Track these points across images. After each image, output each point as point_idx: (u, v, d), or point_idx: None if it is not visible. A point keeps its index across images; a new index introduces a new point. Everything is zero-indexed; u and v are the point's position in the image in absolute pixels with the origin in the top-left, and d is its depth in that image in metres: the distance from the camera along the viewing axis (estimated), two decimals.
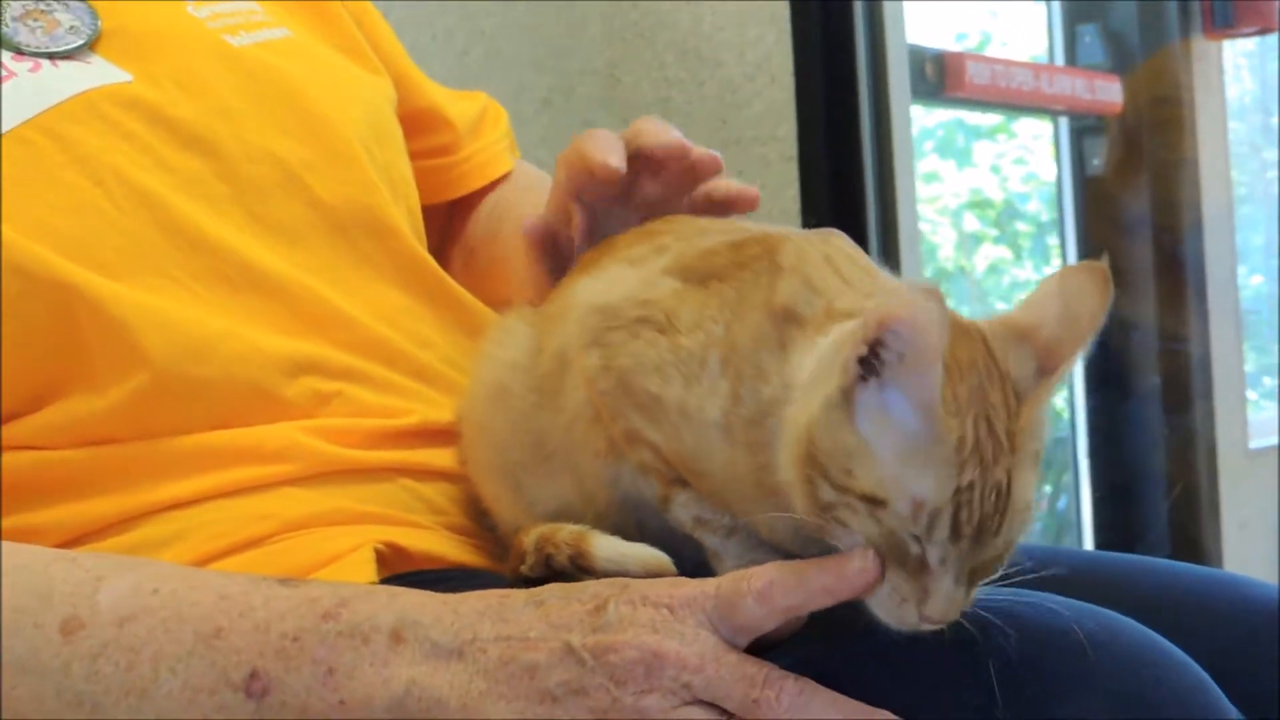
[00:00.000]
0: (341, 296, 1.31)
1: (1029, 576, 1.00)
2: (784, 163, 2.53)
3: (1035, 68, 3.49)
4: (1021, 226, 4.67)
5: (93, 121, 1.25)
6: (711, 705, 0.96)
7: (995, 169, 4.77)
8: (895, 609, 0.94)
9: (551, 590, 1.02)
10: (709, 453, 1.06)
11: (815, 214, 2.48)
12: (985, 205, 4.88)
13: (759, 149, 2.54)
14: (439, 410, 1.30)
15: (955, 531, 0.92)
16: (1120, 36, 3.67)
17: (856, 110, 2.47)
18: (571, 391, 1.14)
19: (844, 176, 2.49)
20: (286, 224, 1.31)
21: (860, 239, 2.46)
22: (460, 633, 0.99)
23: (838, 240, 1.11)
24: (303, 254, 1.31)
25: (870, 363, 0.93)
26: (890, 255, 2.50)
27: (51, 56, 1.28)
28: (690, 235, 1.17)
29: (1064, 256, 3.69)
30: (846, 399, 0.94)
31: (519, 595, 1.02)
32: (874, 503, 0.93)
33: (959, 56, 3.20)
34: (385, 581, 1.14)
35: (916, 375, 0.92)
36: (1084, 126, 3.64)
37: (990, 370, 0.95)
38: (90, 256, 1.20)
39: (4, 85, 1.24)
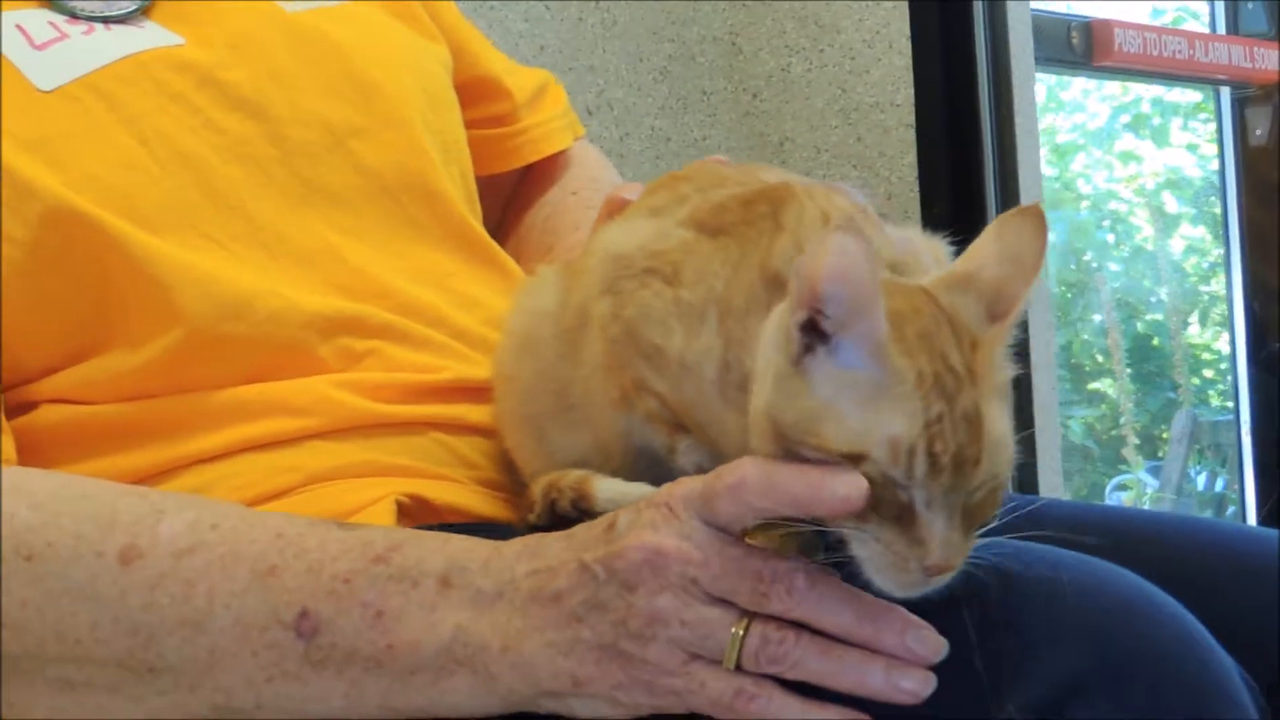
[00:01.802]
0: (386, 259, 1.33)
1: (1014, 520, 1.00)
2: (902, 129, 2.51)
3: (1190, 35, 3.40)
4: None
5: (142, 82, 1.28)
6: (724, 602, 0.96)
7: (1192, 148, 4.69)
8: (897, 573, 0.93)
9: (582, 524, 1.03)
10: (705, 406, 1.07)
11: (933, 181, 2.46)
12: (1183, 185, 4.80)
13: (877, 116, 2.53)
14: (476, 368, 1.31)
15: (933, 464, 0.91)
16: None
17: (974, 77, 2.44)
18: (591, 342, 1.15)
19: (962, 144, 2.46)
20: (334, 187, 1.34)
21: (978, 208, 2.45)
22: (501, 574, 1.01)
23: (840, 199, 1.11)
24: (349, 217, 1.34)
25: (814, 328, 0.93)
26: None
27: (105, 20, 1.31)
28: (709, 186, 1.16)
29: (1226, 228, 3.60)
30: (798, 368, 0.94)
31: (555, 533, 1.03)
32: (854, 459, 0.92)
33: (1107, 24, 3.12)
34: None
35: (861, 321, 0.91)
36: (1245, 96, 3.54)
37: (936, 316, 0.95)
38: (132, 211, 1.23)
39: (56, 45, 1.27)
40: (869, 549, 0.93)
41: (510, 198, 1.67)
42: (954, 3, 2.46)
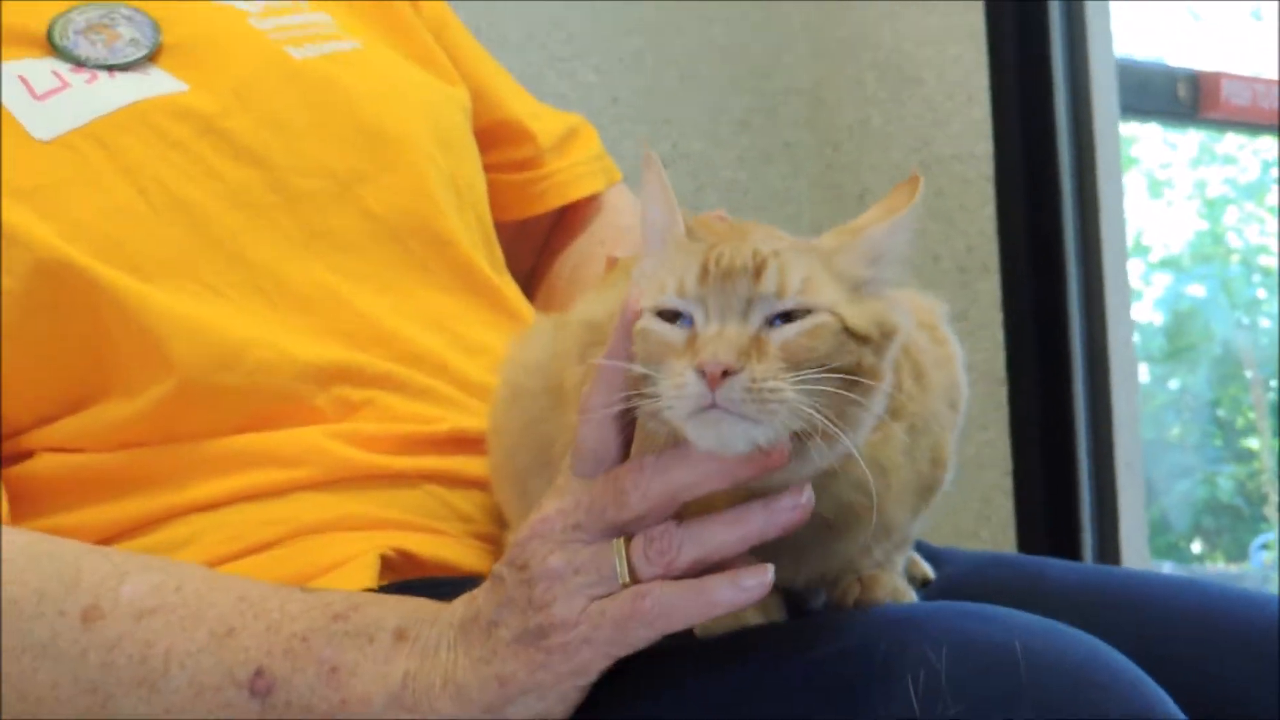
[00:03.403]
0: (391, 303, 1.33)
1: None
2: (982, 182, 2.49)
3: None
4: None
5: (142, 130, 1.29)
6: (607, 533, 0.97)
7: None
8: (682, 396, 0.91)
9: None
10: None
11: (1012, 234, 2.44)
12: None
13: (958, 167, 2.50)
14: (476, 418, 1.30)
15: (703, 274, 0.94)
16: None
17: (1053, 128, 2.41)
18: (569, 408, 1.14)
19: (1041, 195, 2.43)
20: (338, 232, 1.33)
21: (1056, 258, 2.42)
22: (447, 621, 1.02)
23: None
24: (354, 262, 1.33)
25: None
26: (1092, 278, 2.44)
27: (110, 69, 1.32)
28: None
29: None
30: None
31: None
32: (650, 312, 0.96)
33: (1214, 77, 3.08)
34: (392, 587, 1.16)
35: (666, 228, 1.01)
36: None
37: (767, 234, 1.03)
38: (126, 260, 1.23)
39: (57, 95, 1.28)
40: (660, 389, 0.93)
41: (543, 243, 1.66)
42: (1033, 53, 2.44)
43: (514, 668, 0.98)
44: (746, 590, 0.95)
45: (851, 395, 0.94)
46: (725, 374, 0.90)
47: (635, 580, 0.96)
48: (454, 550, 1.26)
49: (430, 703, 1.00)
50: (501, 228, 1.54)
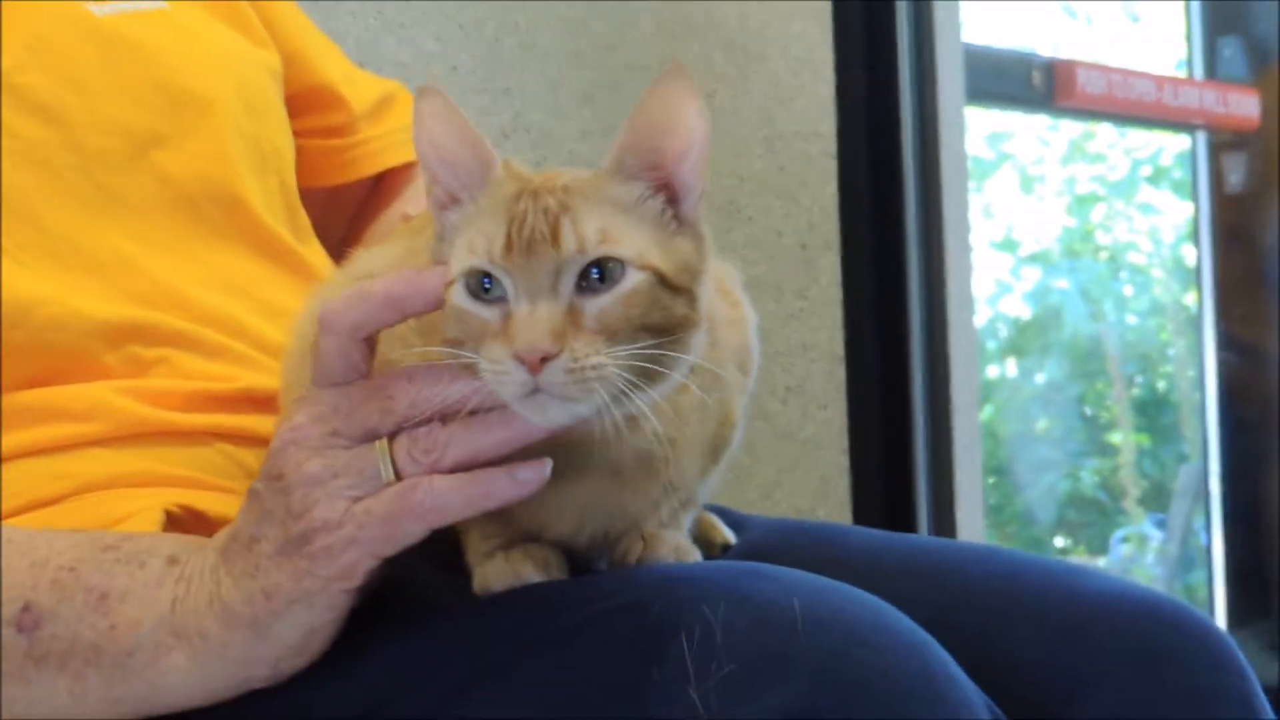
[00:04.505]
0: (186, 268, 1.31)
1: None
2: (825, 159, 2.49)
3: (1159, 79, 3.35)
4: None
5: None
6: (364, 439, 0.98)
7: None
8: (505, 381, 0.93)
9: None
10: None
11: (853, 211, 2.44)
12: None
13: (800, 145, 2.50)
14: (271, 377, 1.28)
15: (508, 244, 0.93)
16: (1264, 48, 3.52)
17: (897, 108, 2.43)
18: None
19: (883, 174, 2.44)
20: (132, 195, 1.31)
21: (897, 237, 2.42)
22: (211, 546, 1.03)
23: None
24: (149, 226, 1.31)
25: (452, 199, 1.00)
26: (933, 259, 2.45)
27: None
28: None
29: (1199, 277, 3.56)
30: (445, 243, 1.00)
31: None
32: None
33: (1069, 65, 3.10)
34: None
35: (471, 165, 0.99)
36: (1222, 142, 3.49)
37: (550, 179, 0.99)
38: None
39: None
40: (484, 372, 0.94)
41: (356, 211, 1.64)
42: (878, 33, 2.46)
43: (278, 579, 0.98)
44: (522, 483, 0.96)
45: (667, 351, 0.95)
46: (544, 359, 0.91)
47: (400, 480, 0.96)
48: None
49: (197, 623, 1.00)
50: (313, 195, 1.52)
